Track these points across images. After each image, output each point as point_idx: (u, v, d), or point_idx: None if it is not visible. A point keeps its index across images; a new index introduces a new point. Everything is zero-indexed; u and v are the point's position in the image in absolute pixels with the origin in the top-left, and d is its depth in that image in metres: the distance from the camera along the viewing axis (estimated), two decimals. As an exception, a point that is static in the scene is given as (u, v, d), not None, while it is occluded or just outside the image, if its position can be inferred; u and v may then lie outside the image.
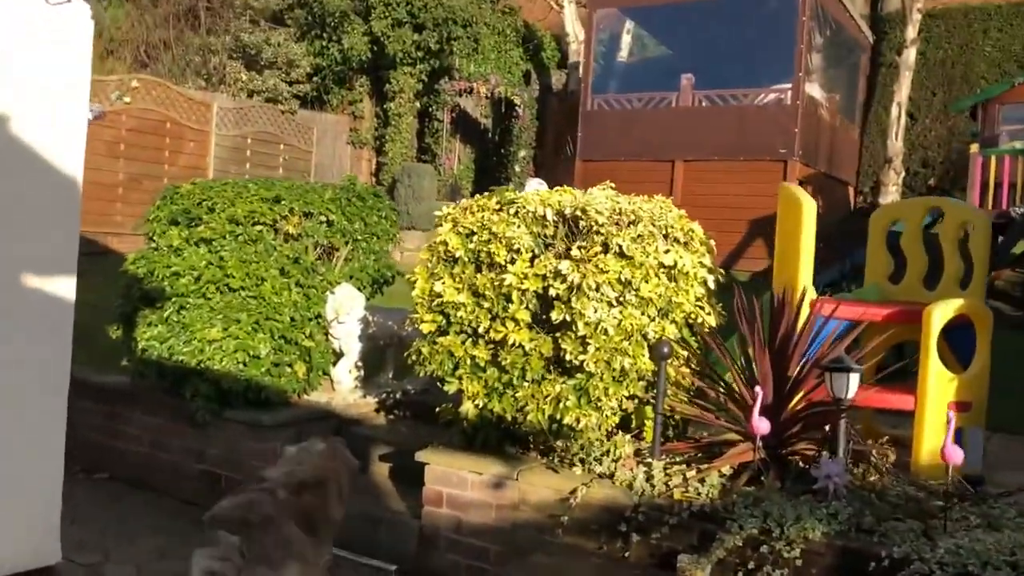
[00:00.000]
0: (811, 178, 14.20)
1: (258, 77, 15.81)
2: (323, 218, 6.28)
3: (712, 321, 4.69)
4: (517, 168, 18.08)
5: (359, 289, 6.45)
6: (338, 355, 6.35)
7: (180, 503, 5.83)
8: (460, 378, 4.58)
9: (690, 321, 4.64)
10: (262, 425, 5.65)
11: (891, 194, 16.11)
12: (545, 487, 4.42)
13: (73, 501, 4.54)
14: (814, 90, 14.55)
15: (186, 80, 15.53)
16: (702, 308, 4.64)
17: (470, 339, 4.58)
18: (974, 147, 11.10)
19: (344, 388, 6.29)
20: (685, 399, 4.59)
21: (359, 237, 6.47)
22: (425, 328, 4.72)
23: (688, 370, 4.64)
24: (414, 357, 4.83)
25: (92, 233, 12.32)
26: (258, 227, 5.98)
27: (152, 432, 6.11)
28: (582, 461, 4.44)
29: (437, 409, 4.94)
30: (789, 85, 13.64)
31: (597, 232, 4.40)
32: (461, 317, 4.56)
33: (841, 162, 15.93)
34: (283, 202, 6.12)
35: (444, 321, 4.69)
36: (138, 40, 15.36)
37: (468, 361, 4.55)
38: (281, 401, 5.84)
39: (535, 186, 16.98)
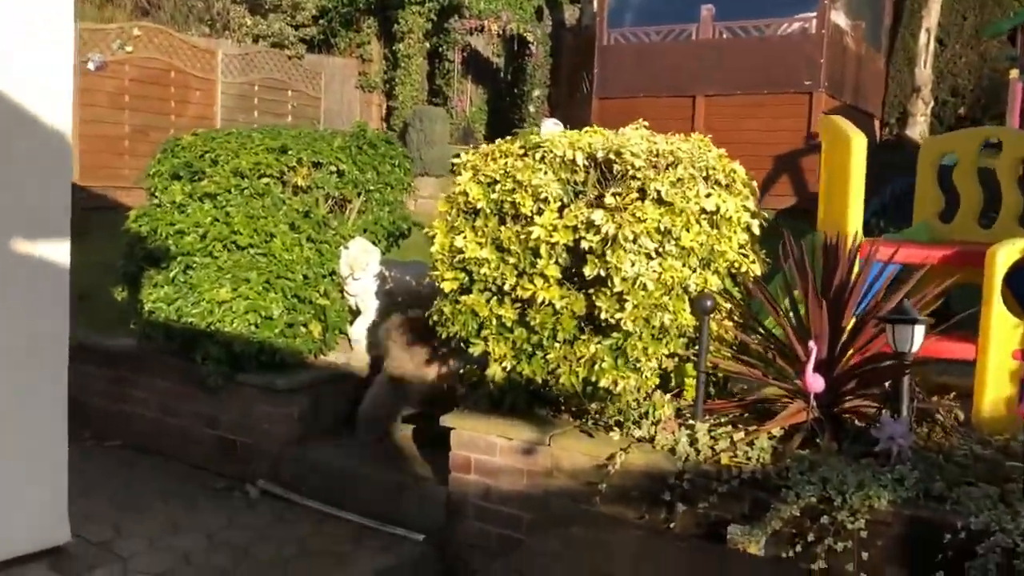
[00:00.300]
0: (836, 110, 13.64)
1: (263, 21, 15.28)
2: (333, 168, 5.90)
3: (757, 270, 4.31)
4: (531, 108, 17.54)
5: (374, 243, 6.10)
6: (355, 313, 6.02)
7: (190, 467, 5.58)
8: (486, 339, 4.24)
9: (733, 271, 4.26)
10: (277, 389, 5.35)
11: (919, 124, 15.51)
12: (580, 452, 4.10)
13: (81, 469, 4.29)
14: (839, 18, 13.89)
15: (189, 27, 15.01)
16: (746, 256, 4.26)
17: (495, 297, 4.22)
18: (1014, 72, 10.53)
19: (362, 347, 5.97)
20: (728, 355, 4.23)
21: (372, 188, 6.09)
22: (447, 287, 4.37)
23: (731, 323, 4.28)
24: (435, 318, 4.48)
25: (101, 188, 12.01)
26: (264, 180, 5.61)
27: (160, 395, 5.83)
28: (619, 424, 4.11)
29: (461, 372, 4.61)
30: (814, 13, 13.02)
31: (633, 177, 4.00)
32: (485, 274, 4.20)
33: (867, 93, 15.32)
34: (290, 152, 5.74)
35: (467, 279, 4.33)
36: (138, -14, 14.82)
37: (494, 321, 4.19)
38: (296, 363, 5.53)
39: (550, 127, 16.49)
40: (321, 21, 16.57)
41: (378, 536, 4.75)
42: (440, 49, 17.19)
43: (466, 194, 4.32)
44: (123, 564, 3.50)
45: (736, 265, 4.22)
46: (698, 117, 14.59)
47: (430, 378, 5.08)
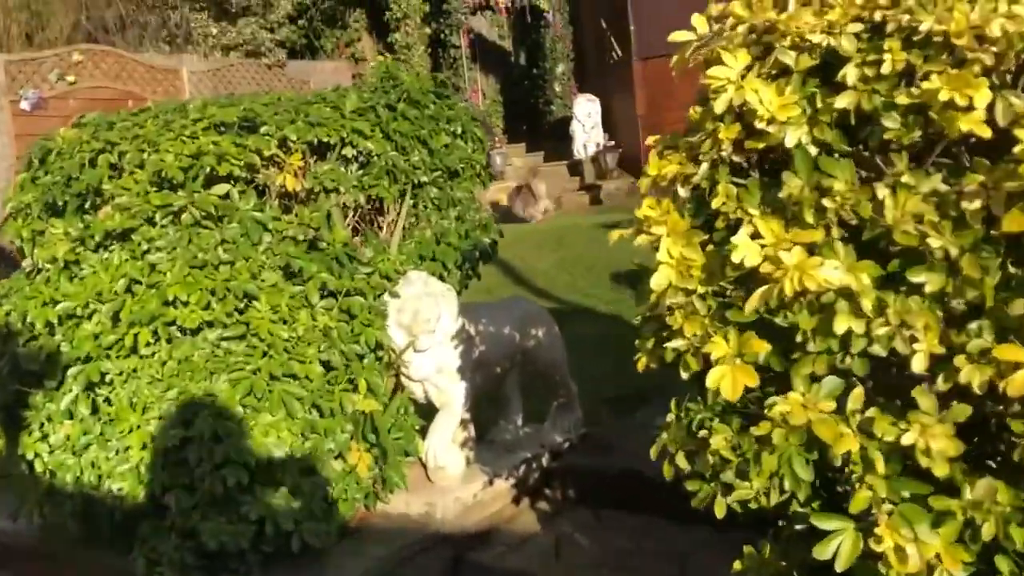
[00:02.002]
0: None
1: (231, 28, 12.44)
2: (351, 151, 3.02)
3: None
4: (557, 88, 14.63)
5: (441, 277, 3.25)
6: (421, 404, 3.17)
7: None
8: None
9: None
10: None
11: None
12: None
13: None
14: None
15: (144, 47, 12.19)
16: None
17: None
18: None
19: (450, 474, 3.09)
20: None
21: (424, 179, 3.21)
22: (716, 353, 1.48)
23: None
24: (705, 460, 1.59)
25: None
26: (220, 187, 2.75)
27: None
28: None
29: (691, 491, 1.69)
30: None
31: None
32: (873, 334, 1.31)
33: None
34: (265, 128, 2.86)
35: (778, 350, 1.45)
36: (77, 8, 11.99)
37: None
38: (329, 541, 2.67)
39: (585, 105, 13.55)
40: (300, 22, 13.73)
41: None
42: (442, 36, 14.31)
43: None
44: None
45: None
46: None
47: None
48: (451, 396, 3.12)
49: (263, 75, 12.64)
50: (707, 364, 1.53)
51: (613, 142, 12.93)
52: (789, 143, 1.46)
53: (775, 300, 1.40)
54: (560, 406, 3.70)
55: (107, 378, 2.71)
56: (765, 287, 1.42)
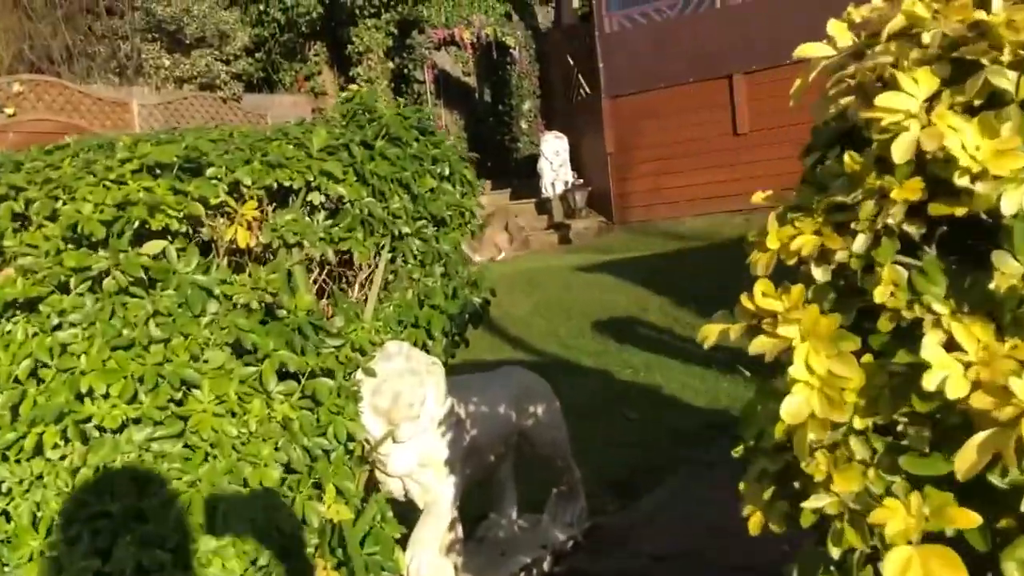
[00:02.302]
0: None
1: (184, 60, 11.84)
2: (319, 197, 2.47)
3: None
4: (523, 125, 14.23)
5: (425, 345, 2.70)
6: (400, 502, 2.60)
7: None
8: None
9: None
10: None
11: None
12: None
13: None
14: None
15: (92, 79, 11.53)
16: None
17: None
18: None
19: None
20: None
21: (405, 229, 2.67)
22: (892, 527, 0.96)
23: None
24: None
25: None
26: (153, 244, 2.17)
27: None
28: None
29: None
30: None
31: None
32: None
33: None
34: (212, 170, 2.30)
35: None
36: (20, 36, 11.29)
37: None
38: None
39: (553, 143, 13.13)
40: (257, 54, 13.17)
41: None
42: (406, 71, 13.86)
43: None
44: None
45: None
46: (739, 101, 11.36)
47: None
48: (437, 495, 2.55)
49: (218, 108, 12.07)
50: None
51: (582, 180, 12.53)
52: (1006, 210, 0.95)
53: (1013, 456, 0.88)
54: (561, 494, 3.16)
55: (3, 487, 2.10)
56: (988, 434, 0.90)
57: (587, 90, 12.78)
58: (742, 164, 11.29)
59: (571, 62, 13.15)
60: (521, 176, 13.69)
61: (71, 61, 11.53)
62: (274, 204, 2.50)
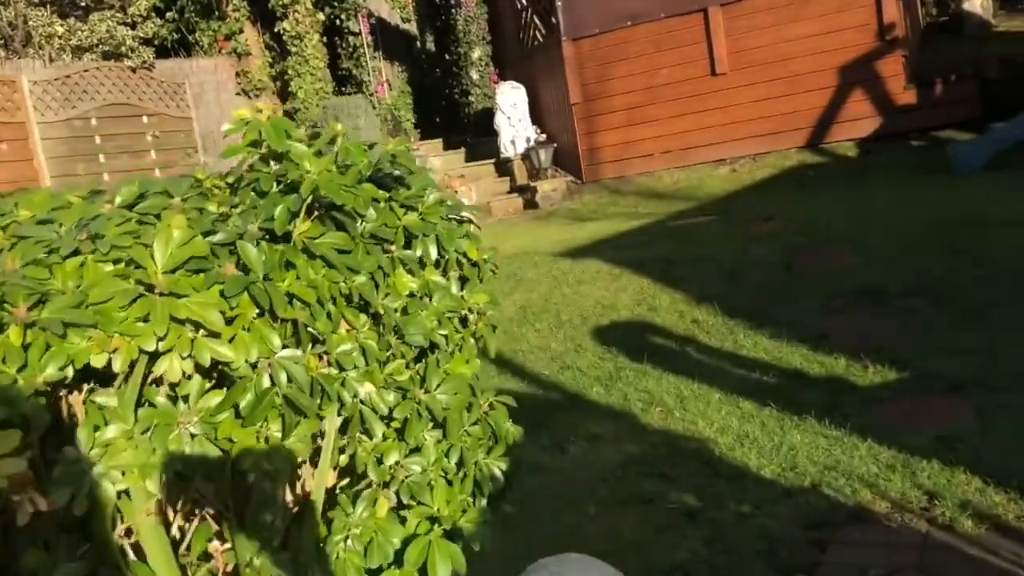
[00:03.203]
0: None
1: (81, 26, 10.10)
2: (178, 369, 1.15)
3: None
4: (474, 75, 12.69)
5: None
6: None
7: None
8: None
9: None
10: None
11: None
12: None
13: None
14: None
15: (-30, 54, 9.76)
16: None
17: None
18: None
19: None
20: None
21: (363, 389, 1.36)
22: None
23: None
24: None
25: None
26: None
27: None
28: None
29: None
30: None
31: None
32: None
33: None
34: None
35: None
36: None
37: None
38: None
39: (511, 95, 11.66)
40: (169, 14, 11.43)
41: None
42: (338, 22, 12.21)
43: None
44: None
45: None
46: (716, 38, 10.00)
47: None
48: None
49: (127, 80, 10.40)
50: None
51: (545, 136, 11.14)
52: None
53: None
54: None
55: None
56: None
57: (543, 32, 11.30)
58: (722, 108, 10.01)
59: (523, 1, 11.63)
60: (477, 133, 12.24)
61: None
62: (96, 384, 1.16)
